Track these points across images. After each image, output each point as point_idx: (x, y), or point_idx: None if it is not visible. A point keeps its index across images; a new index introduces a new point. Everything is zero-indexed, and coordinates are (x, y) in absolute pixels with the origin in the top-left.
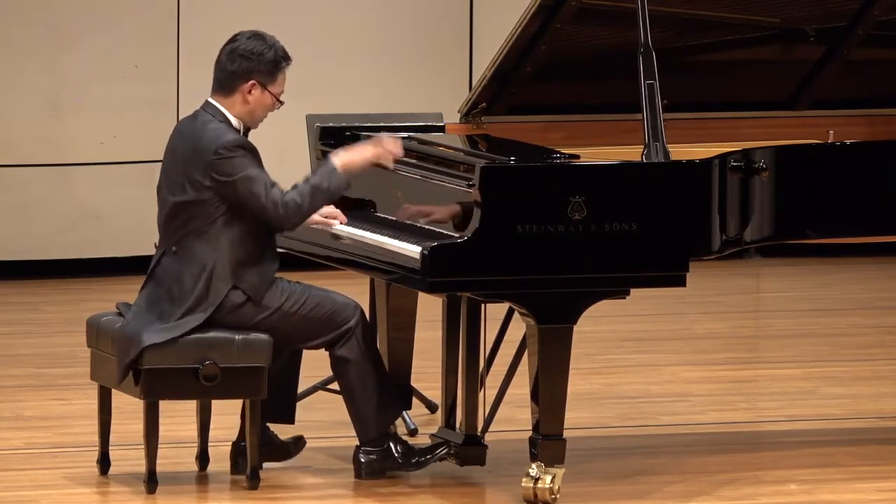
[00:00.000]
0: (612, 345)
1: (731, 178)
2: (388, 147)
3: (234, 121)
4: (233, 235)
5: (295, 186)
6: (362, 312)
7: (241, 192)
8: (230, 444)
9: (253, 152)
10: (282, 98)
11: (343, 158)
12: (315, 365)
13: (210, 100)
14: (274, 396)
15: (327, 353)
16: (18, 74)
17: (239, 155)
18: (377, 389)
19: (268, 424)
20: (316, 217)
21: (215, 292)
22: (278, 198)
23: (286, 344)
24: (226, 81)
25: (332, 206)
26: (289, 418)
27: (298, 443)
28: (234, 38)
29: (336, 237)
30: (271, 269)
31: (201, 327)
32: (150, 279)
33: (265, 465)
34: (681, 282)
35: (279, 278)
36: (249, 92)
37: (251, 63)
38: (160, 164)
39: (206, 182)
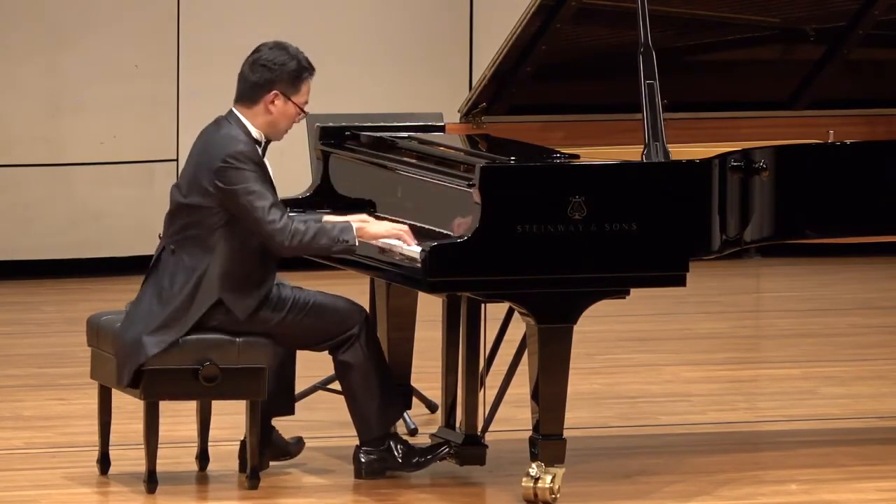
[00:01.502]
0: (612, 345)
1: (731, 178)
2: (406, 238)
3: (254, 132)
4: (230, 248)
5: (304, 220)
6: (367, 317)
7: (242, 204)
8: (230, 444)
9: (261, 168)
10: (306, 108)
11: (361, 223)
12: (315, 365)
13: (233, 109)
14: (272, 390)
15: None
16: (18, 74)
17: (246, 168)
18: (380, 391)
19: (273, 423)
20: (382, 241)
21: (199, 302)
22: (279, 218)
23: (289, 347)
24: (248, 92)
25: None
26: (289, 410)
27: (299, 443)
28: (257, 49)
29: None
30: (264, 288)
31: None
32: (151, 273)
33: (271, 464)
34: (681, 282)
35: (281, 284)
36: (272, 102)
37: (273, 74)
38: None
39: (210, 189)
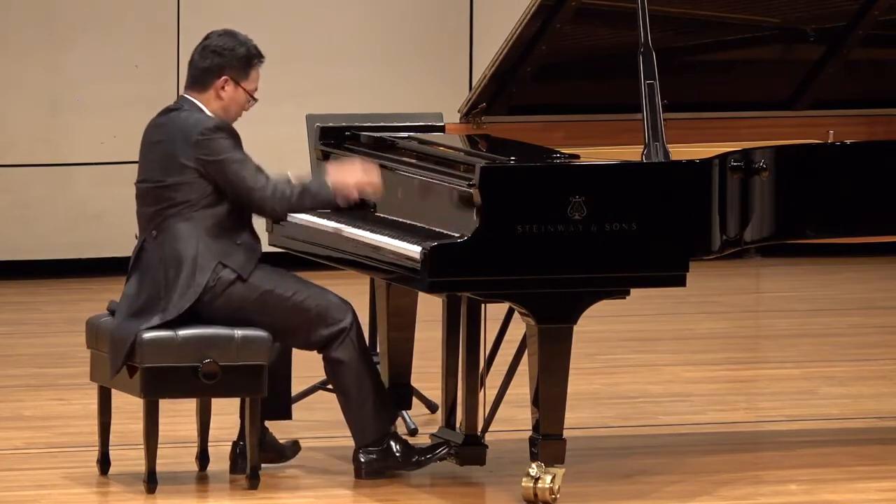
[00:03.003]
0: (612, 345)
1: (731, 178)
2: (372, 177)
3: (210, 115)
4: (215, 217)
5: (286, 181)
6: (355, 313)
7: (229, 173)
8: (230, 443)
9: (235, 136)
10: (256, 95)
11: (334, 176)
12: (315, 365)
13: (186, 95)
14: (268, 394)
15: (320, 355)
16: (18, 74)
17: (222, 136)
18: (373, 392)
19: (266, 425)
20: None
21: (202, 270)
22: (266, 183)
23: (280, 336)
24: (199, 78)
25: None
26: (286, 414)
27: (294, 447)
28: (206, 37)
29: (340, 235)
30: (256, 249)
31: (196, 314)
32: (134, 269)
33: (263, 466)
34: (681, 282)
35: (272, 266)
36: (223, 88)
37: (223, 59)
38: None
39: (190, 163)
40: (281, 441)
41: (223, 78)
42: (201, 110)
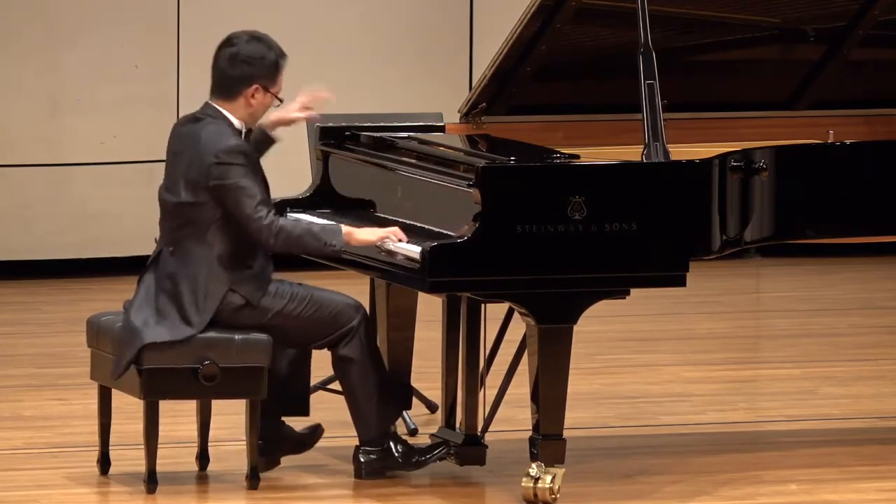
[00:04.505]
0: (612, 345)
1: (731, 178)
2: (397, 234)
3: (236, 122)
4: (228, 240)
5: (295, 219)
6: (364, 312)
7: (231, 199)
8: (230, 444)
9: (251, 161)
10: (281, 96)
11: (350, 228)
12: (315, 365)
13: (210, 102)
14: (286, 390)
15: (329, 352)
16: (18, 74)
17: (238, 162)
18: (378, 389)
19: (283, 419)
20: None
21: (212, 297)
22: (265, 215)
23: (289, 345)
24: (228, 86)
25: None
26: (303, 411)
27: (316, 432)
28: (231, 42)
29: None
30: (267, 273)
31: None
32: (148, 272)
33: (283, 459)
34: (681, 282)
35: (280, 280)
36: (253, 96)
37: (254, 68)
38: (161, 163)
39: (204, 184)
40: (300, 430)
41: (254, 87)
42: (226, 120)
